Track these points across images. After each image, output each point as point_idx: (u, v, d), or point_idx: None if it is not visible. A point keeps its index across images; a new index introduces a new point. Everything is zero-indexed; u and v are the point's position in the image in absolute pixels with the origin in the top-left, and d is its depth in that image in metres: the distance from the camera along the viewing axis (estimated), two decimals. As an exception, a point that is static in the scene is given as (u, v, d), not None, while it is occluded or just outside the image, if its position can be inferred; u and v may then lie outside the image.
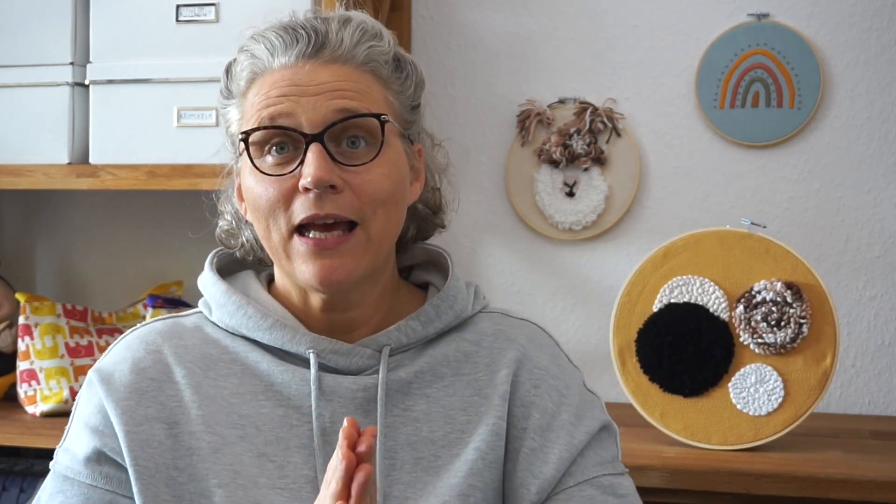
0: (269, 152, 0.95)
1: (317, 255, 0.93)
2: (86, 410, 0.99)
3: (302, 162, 0.93)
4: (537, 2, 1.93)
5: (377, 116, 0.95)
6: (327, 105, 0.94)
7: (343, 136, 0.95)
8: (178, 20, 1.65)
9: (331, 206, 0.92)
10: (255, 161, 0.96)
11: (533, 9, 1.93)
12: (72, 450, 0.98)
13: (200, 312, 1.06)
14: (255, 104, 0.96)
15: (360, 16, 1.01)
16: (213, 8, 1.64)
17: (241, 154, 0.99)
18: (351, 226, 0.94)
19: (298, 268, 0.95)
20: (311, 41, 0.96)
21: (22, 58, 1.71)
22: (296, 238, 0.94)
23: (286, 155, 0.95)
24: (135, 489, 0.94)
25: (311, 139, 0.93)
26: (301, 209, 0.93)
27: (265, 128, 0.94)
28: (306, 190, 0.92)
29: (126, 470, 0.95)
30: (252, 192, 0.96)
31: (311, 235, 0.94)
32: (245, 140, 0.95)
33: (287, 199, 0.94)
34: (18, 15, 1.72)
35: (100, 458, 0.96)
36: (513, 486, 0.98)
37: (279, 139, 0.95)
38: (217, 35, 1.63)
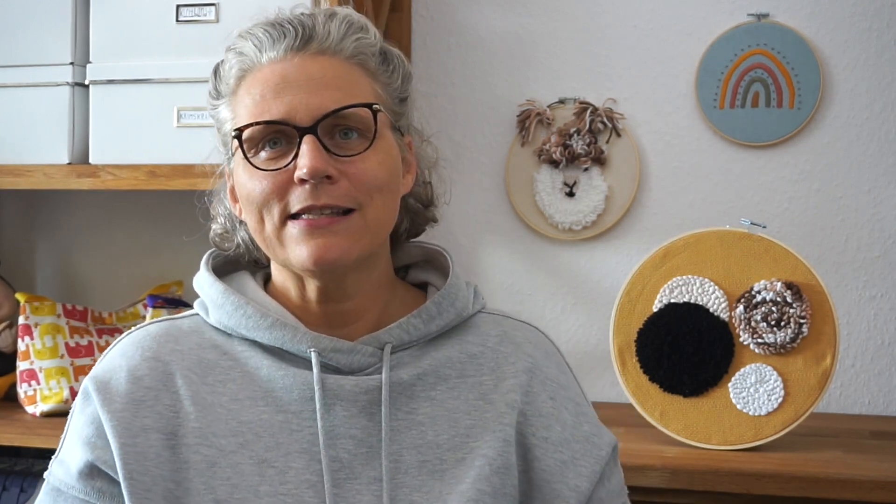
0: (262, 148, 0.96)
1: (310, 235, 0.93)
2: (80, 421, 0.98)
3: (296, 155, 0.93)
4: (537, 2, 1.93)
5: (369, 106, 0.96)
6: (319, 97, 0.94)
7: (336, 128, 0.95)
8: (178, 20, 1.65)
9: (326, 196, 0.93)
10: (248, 157, 0.96)
11: (533, 9, 1.93)
12: (66, 462, 0.97)
13: (197, 314, 1.05)
14: (246, 101, 0.97)
15: (345, 10, 1.01)
16: (213, 8, 1.64)
17: (234, 152, 0.99)
18: (346, 211, 0.95)
19: (292, 251, 0.95)
20: (299, 35, 0.96)
21: (22, 58, 1.71)
22: (289, 223, 0.94)
23: (279, 150, 0.95)
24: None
25: (304, 132, 0.93)
26: (296, 200, 0.94)
27: (258, 123, 0.95)
28: (302, 182, 0.93)
29: (119, 484, 0.94)
30: (245, 188, 0.97)
31: (304, 217, 0.94)
32: (238, 137, 0.96)
33: (282, 191, 0.94)
34: (18, 15, 1.72)
35: (92, 472, 0.95)
36: (545, 497, 0.99)
37: (273, 135, 0.95)
38: (217, 35, 1.62)
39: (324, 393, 0.96)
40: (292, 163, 0.94)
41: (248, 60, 0.98)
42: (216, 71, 1.03)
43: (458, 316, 1.03)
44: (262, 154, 0.96)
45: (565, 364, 1.09)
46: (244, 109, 0.97)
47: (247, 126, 0.95)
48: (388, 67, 1.02)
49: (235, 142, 0.96)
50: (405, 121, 1.04)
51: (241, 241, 1.07)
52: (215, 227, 1.09)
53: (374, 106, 0.96)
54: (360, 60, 0.98)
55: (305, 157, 0.92)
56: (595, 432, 1.03)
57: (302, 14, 0.99)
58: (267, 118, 0.94)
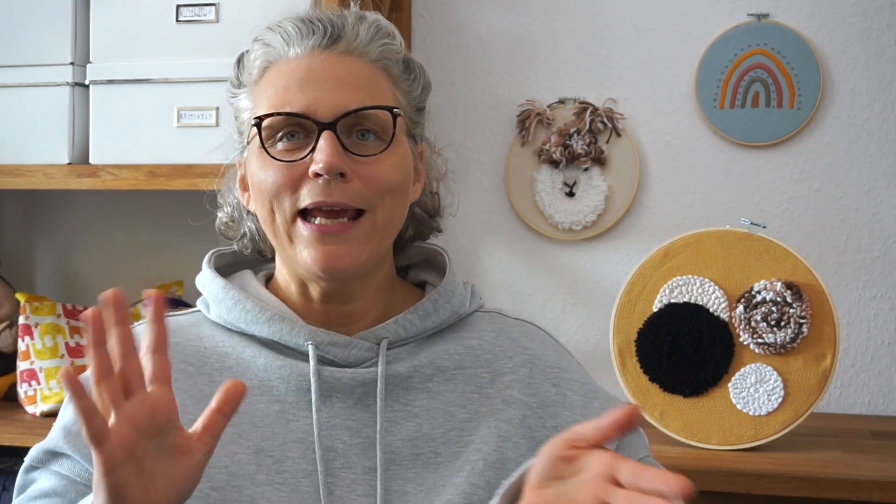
0: (280, 139, 0.97)
1: (320, 240, 0.94)
2: (65, 413, 1.00)
3: (313, 149, 0.94)
4: (537, 2, 1.93)
5: (389, 109, 0.97)
6: (341, 95, 0.95)
7: (354, 128, 0.96)
8: (178, 20, 1.65)
9: (339, 193, 0.94)
10: (265, 146, 0.97)
11: (533, 9, 1.93)
12: (42, 445, 0.99)
13: (199, 311, 1.06)
14: (268, 92, 0.98)
15: (375, 15, 1.03)
16: (213, 8, 1.64)
17: (250, 140, 1.00)
18: (357, 214, 0.96)
19: (300, 253, 0.96)
20: (328, 33, 0.98)
21: (22, 58, 1.71)
22: (299, 222, 0.95)
23: (297, 142, 0.96)
24: None
25: (323, 127, 0.94)
26: (308, 194, 0.94)
27: (279, 114, 0.96)
28: (316, 176, 0.94)
29: (84, 467, 0.95)
30: (258, 177, 0.97)
31: (315, 222, 0.95)
32: (258, 125, 0.96)
33: (295, 184, 0.95)
34: (18, 15, 1.72)
35: (63, 454, 0.96)
36: None
37: (292, 127, 0.96)
38: (217, 35, 1.63)
39: (320, 384, 0.97)
40: (308, 156, 0.95)
41: (274, 52, 0.99)
42: (239, 60, 1.04)
43: (455, 313, 1.04)
44: (279, 145, 0.97)
45: (564, 350, 1.09)
46: (265, 100, 0.98)
47: (267, 115, 0.96)
48: (410, 76, 1.03)
49: (253, 130, 0.97)
50: (420, 130, 1.06)
51: (247, 231, 1.08)
52: (221, 216, 1.10)
53: (395, 110, 0.98)
54: (384, 65, 1.00)
55: (322, 152, 0.93)
56: (606, 407, 1.03)
57: (332, 14, 1.01)
58: (288, 110, 0.95)
